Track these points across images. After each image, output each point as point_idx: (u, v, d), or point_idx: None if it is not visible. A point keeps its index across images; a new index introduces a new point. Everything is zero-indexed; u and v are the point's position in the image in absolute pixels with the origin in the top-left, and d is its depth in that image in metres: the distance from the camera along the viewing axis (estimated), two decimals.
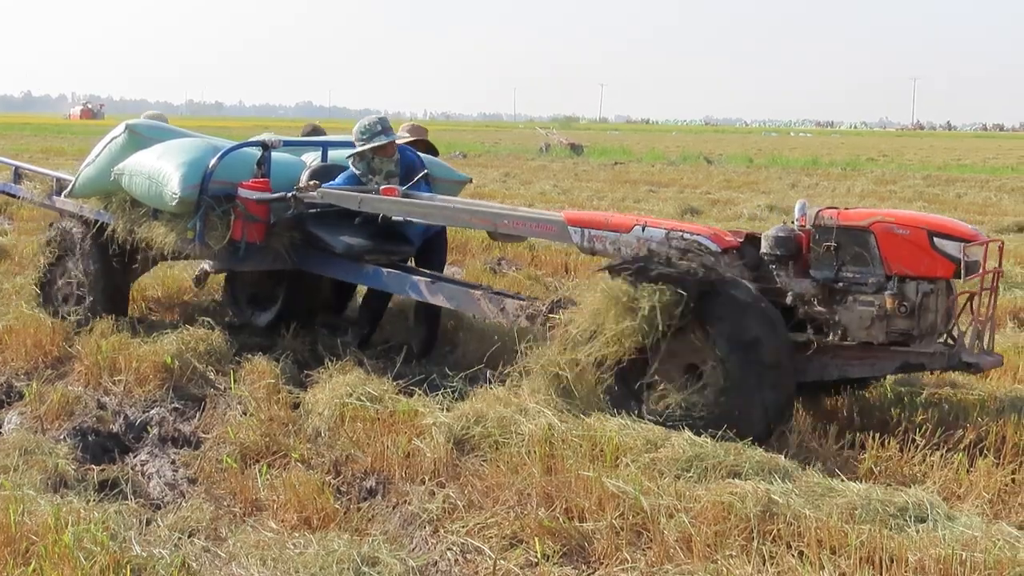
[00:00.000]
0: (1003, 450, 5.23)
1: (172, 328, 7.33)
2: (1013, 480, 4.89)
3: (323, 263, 7.27)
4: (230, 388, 6.52)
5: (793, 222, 5.72)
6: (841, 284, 5.38)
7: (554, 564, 4.15)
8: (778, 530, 4.25)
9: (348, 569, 3.98)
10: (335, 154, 7.83)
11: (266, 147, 6.99)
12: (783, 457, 5.02)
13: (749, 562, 4.06)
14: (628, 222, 5.98)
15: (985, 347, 5.45)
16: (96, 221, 7.50)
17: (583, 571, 4.18)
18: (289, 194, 6.84)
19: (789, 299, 5.52)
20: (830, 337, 5.42)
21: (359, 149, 7.14)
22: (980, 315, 5.41)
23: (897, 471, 5.11)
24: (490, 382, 6.04)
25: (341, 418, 5.85)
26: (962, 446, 5.27)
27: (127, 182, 7.02)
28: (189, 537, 4.36)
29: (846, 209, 5.59)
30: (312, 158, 7.80)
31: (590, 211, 6.93)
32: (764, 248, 5.61)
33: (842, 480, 4.70)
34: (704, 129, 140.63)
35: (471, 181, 8.89)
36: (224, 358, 7.07)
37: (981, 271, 5.37)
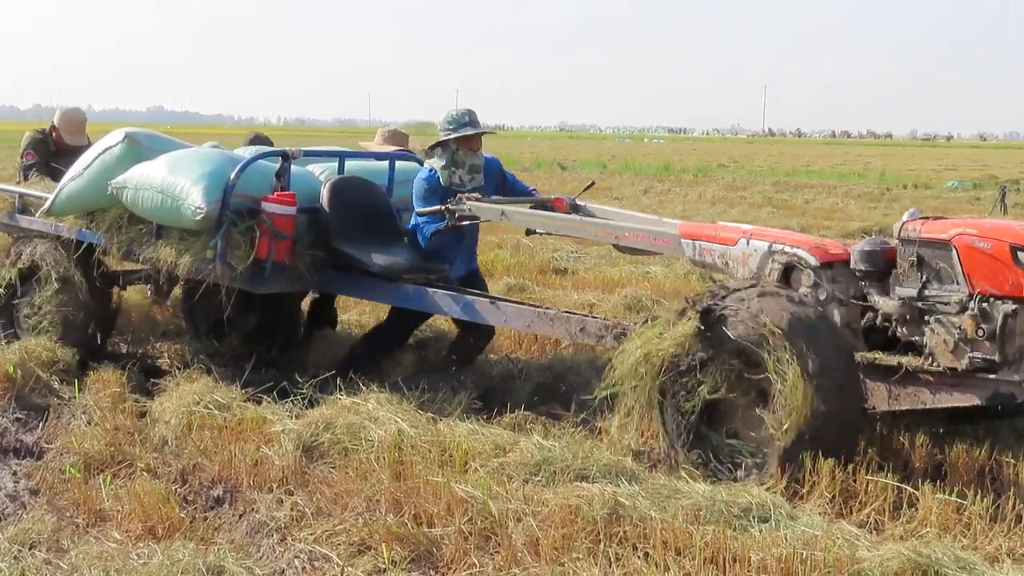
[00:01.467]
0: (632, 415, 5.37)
1: None
2: (855, 480, 5.02)
3: (352, 284, 6.77)
4: (74, 397, 6.45)
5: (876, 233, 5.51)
6: (924, 303, 5.02)
7: (402, 570, 4.18)
8: (624, 532, 4.31)
9: None
10: (352, 165, 7.37)
11: (286, 158, 6.50)
12: (629, 460, 5.14)
13: (596, 564, 4.11)
14: (735, 235, 5.73)
15: None
16: (78, 242, 6.98)
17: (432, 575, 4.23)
18: (449, 205, 6.35)
19: (879, 319, 5.25)
20: (920, 362, 4.99)
21: (444, 138, 6.69)
22: None
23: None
24: (340, 389, 6.08)
25: (188, 427, 5.82)
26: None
27: (131, 197, 6.45)
28: (30, 549, 4.30)
29: (932, 219, 5.22)
30: (322, 169, 7.26)
31: (700, 223, 6.50)
32: (852, 263, 5.31)
33: (687, 482, 4.80)
34: (559, 135, 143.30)
35: (534, 191, 8.17)
36: (69, 367, 6.94)
37: None
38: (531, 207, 6.80)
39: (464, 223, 6.39)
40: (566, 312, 6.14)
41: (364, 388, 6.03)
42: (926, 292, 4.95)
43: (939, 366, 4.85)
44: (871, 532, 4.47)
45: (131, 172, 6.43)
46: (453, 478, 4.81)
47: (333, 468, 5.20)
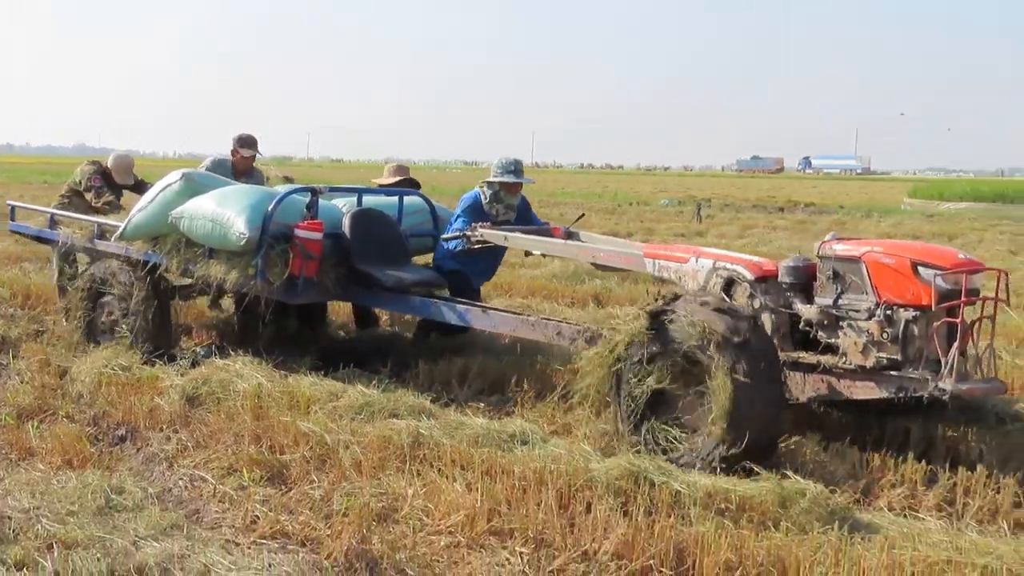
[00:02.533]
0: (592, 398, 5.99)
1: None
2: (599, 415, 6.01)
3: (369, 296, 7.49)
4: (10, 363, 7.42)
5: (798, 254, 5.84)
6: (838, 311, 5.35)
7: (260, 486, 4.99)
8: (424, 454, 5.25)
9: (100, 496, 4.74)
10: (368, 199, 8.20)
11: (315, 192, 7.17)
12: (428, 402, 6.12)
13: (403, 478, 4.99)
14: (686, 254, 6.12)
15: (984, 373, 5.21)
16: (145, 261, 7.52)
17: (282, 490, 4.98)
18: (467, 232, 7.35)
19: (802, 324, 5.54)
20: (836, 360, 5.37)
21: (495, 179, 7.80)
22: (976, 342, 5.27)
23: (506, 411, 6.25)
24: (214, 355, 7.08)
25: (99, 383, 6.75)
26: (560, 394, 6.34)
27: (187, 225, 7.11)
28: None
29: (846, 239, 5.55)
30: (344, 202, 8.05)
31: (660, 245, 7.03)
32: (780, 277, 5.63)
33: (470, 416, 5.82)
34: (382, 166, 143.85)
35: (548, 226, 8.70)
36: (7, 342, 7.98)
37: (962, 298, 4.99)
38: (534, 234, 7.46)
39: (477, 246, 7.31)
40: (544, 319, 6.66)
41: (233, 354, 7.01)
42: (840, 301, 5.30)
43: (851, 364, 5.25)
44: (601, 452, 5.32)
45: (187, 204, 7.13)
46: (298, 418, 5.75)
47: (209, 412, 6.12)
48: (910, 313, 5.09)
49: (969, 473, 5.15)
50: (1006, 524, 4.53)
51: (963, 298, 4.98)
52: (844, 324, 5.31)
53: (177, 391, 6.42)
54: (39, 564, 4.00)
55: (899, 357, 5.10)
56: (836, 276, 5.35)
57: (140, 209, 7.59)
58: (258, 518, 4.68)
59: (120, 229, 7.72)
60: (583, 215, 9.60)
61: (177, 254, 7.30)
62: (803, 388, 5.47)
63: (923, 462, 5.31)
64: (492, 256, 8.00)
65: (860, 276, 5.25)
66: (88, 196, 9.59)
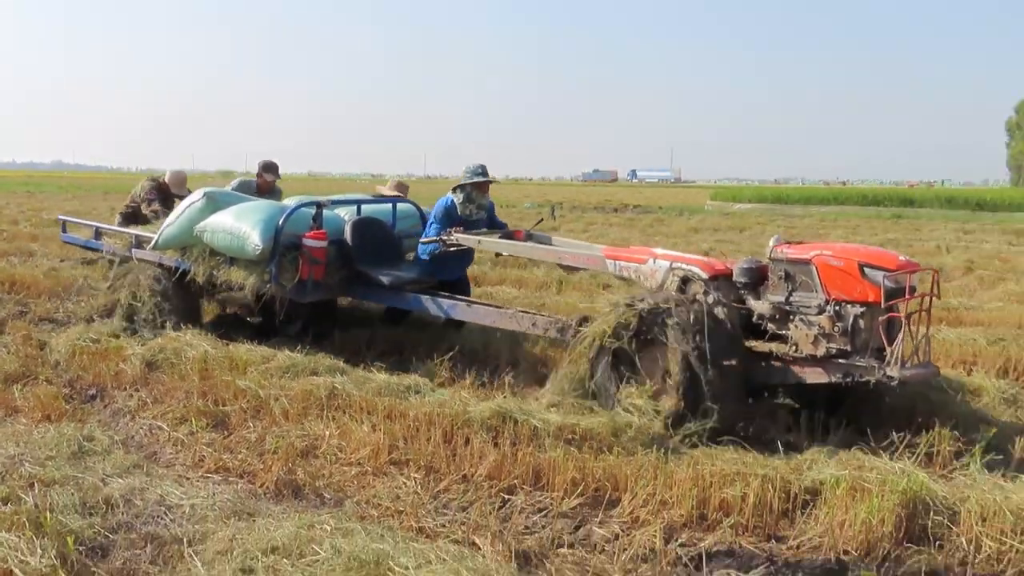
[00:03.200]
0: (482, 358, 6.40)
1: None
2: (488, 372, 6.05)
3: (371, 293, 7.03)
4: None
5: (770, 251, 5.15)
6: (790, 307, 4.94)
7: (206, 432, 4.96)
8: (338, 403, 5.21)
9: (74, 444, 4.65)
10: (366, 208, 7.71)
11: (320, 206, 6.71)
12: (342, 362, 6.05)
13: (322, 422, 4.99)
14: (645, 256, 5.63)
15: (921, 359, 4.75)
16: (176, 268, 7.12)
17: (224, 435, 4.93)
18: (442, 236, 6.70)
19: (755, 317, 5.12)
20: (786, 349, 5.01)
21: (465, 182, 7.01)
22: (916, 333, 4.79)
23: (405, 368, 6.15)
24: (172, 330, 6.85)
25: (73, 353, 6.55)
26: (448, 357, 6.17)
27: (209, 237, 6.74)
28: None
29: (796, 243, 5.14)
30: (345, 212, 7.54)
31: (620, 247, 6.21)
32: (735, 276, 5.21)
33: (375, 372, 5.77)
34: (308, 178, 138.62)
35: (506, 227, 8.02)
36: None
37: (906, 296, 4.64)
38: (500, 237, 6.88)
39: (453, 248, 6.69)
40: (522, 311, 6.21)
41: (184, 328, 6.82)
42: (791, 298, 4.89)
43: (801, 353, 4.86)
44: (476, 398, 5.28)
45: (209, 219, 6.74)
46: (237, 377, 5.67)
47: (164, 374, 5.99)
48: (858, 308, 4.72)
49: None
50: (780, 444, 4.65)
51: (907, 295, 4.64)
52: (795, 318, 4.90)
53: (138, 358, 6.23)
54: (22, 499, 3.87)
55: (848, 347, 4.73)
56: (788, 276, 4.93)
57: (169, 224, 7.19)
58: (204, 457, 4.64)
59: (154, 240, 7.32)
60: (542, 219, 8.73)
61: (203, 262, 6.89)
62: (762, 373, 5.05)
63: None
64: (465, 254, 7.22)
65: (811, 276, 4.84)
66: (143, 208, 9.14)
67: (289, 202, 7.29)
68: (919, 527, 3.69)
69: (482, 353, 6.68)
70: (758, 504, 3.90)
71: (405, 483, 4.24)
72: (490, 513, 3.91)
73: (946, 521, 3.69)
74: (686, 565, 3.50)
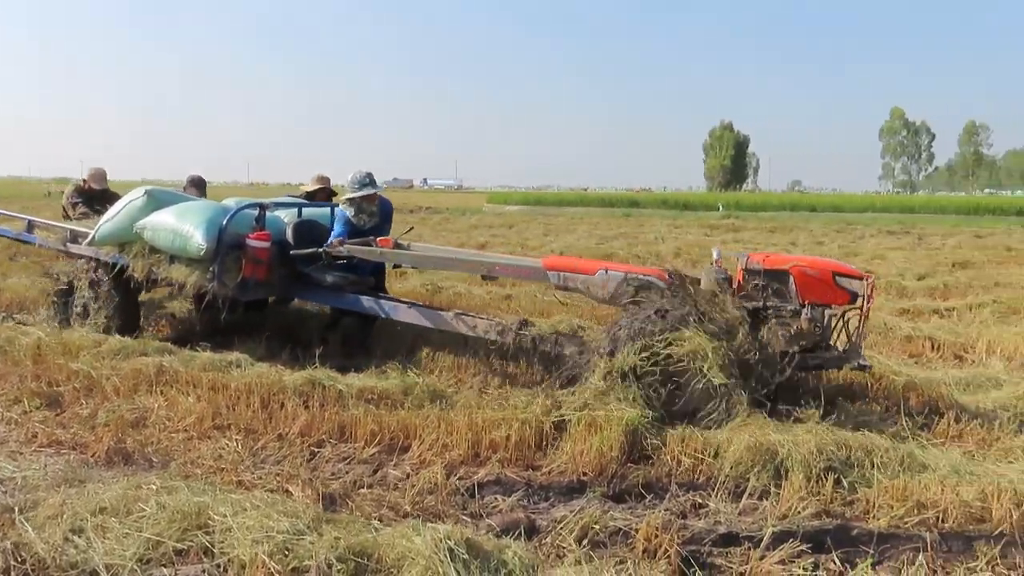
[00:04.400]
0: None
1: None
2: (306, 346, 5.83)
3: (312, 293, 6.05)
4: None
5: (712, 263, 4.78)
6: (765, 311, 4.53)
7: (39, 411, 4.50)
8: (167, 378, 4.87)
9: None
10: (306, 211, 6.57)
11: (262, 207, 5.85)
12: (170, 343, 5.69)
13: (152, 396, 4.68)
14: (594, 266, 4.95)
15: (861, 351, 4.56)
16: (114, 263, 6.10)
17: (57, 412, 4.49)
18: (321, 250, 5.68)
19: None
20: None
21: (353, 195, 5.95)
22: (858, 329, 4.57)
23: (229, 347, 5.79)
24: (11, 319, 6.17)
25: None
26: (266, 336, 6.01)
27: (150, 235, 5.78)
28: None
29: (771, 255, 4.74)
30: (286, 214, 6.46)
31: (564, 257, 5.43)
32: (704, 286, 4.61)
33: (199, 351, 5.43)
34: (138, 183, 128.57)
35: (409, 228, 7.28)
36: None
37: (864, 299, 4.50)
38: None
39: (340, 262, 5.75)
40: (462, 314, 5.46)
41: (25, 318, 6.20)
42: (768, 304, 4.54)
43: (774, 351, 4.39)
44: (290, 367, 5.15)
45: (150, 217, 5.84)
46: (70, 360, 5.17)
47: None
48: (830, 311, 4.55)
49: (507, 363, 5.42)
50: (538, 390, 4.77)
51: (869, 299, 4.52)
52: (770, 321, 4.48)
53: None
54: None
55: (824, 342, 4.50)
56: (765, 284, 4.55)
57: (108, 219, 6.18)
58: (37, 434, 4.17)
59: (90, 236, 6.29)
60: (411, 228, 7.51)
61: (142, 259, 5.93)
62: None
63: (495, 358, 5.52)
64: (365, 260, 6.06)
65: (787, 284, 4.52)
66: (70, 212, 8.02)
67: (229, 203, 6.35)
68: (638, 451, 3.92)
69: (297, 331, 6.43)
70: (519, 442, 4.00)
71: (227, 444, 4.01)
72: (301, 464, 3.78)
73: (658, 445, 3.94)
74: (463, 494, 3.54)
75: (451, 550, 2.52)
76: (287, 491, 3.44)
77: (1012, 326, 7.29)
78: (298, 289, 6.07)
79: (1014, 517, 3.20)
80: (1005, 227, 26.86)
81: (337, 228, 6.05)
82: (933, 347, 6.56)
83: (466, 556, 2.53)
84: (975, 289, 10.06)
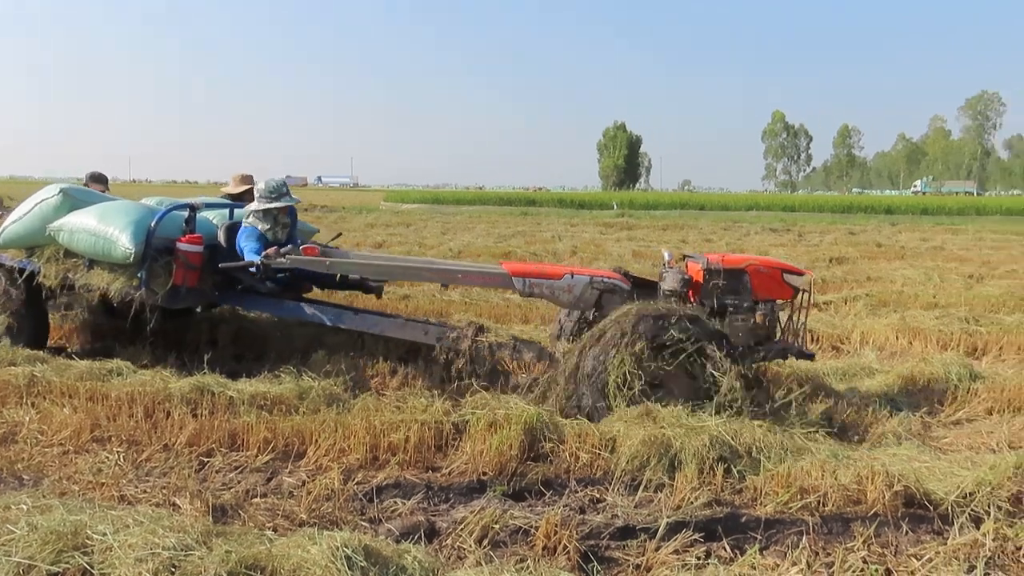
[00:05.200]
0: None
1: None
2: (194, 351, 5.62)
3: (245, 300, 5.55)
4: None
5: (664, 265, 4.93)
6: (721, 308, 4.65)
7: None
8: (38, 389, 4.59)
9: None
10: (238, 212, 5.90)
11: (193, 209, 5.36)
12: (43, 352, 5.34)
13: (22, 408, 4.37)
14: (560, 271, 4.89)
15: (803, 342, 4.83)
16: (20, 268, 5.44)
17: None
18: (258, 260, 5.11)
19: None
20: None
21: (270, 206, 5.35)
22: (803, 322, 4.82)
23: (106, 352, 5.52)
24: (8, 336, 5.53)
25: None
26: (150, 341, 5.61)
27: (67, 238, 5.20)
28: None
29: (729, 255, 4.85)
30: (215, 216, 5.86)
31: (529, 263, 5.13)
32: (668, 286, 4.74)
33: (76, 360, 5.08)
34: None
35: (318, 231, 6.74)
36: None
37: (806, 294, 4.76)
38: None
39: (285, 265, 5.16)
40: (412, 320, 5.20)
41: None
42: (724, 300, 4.66)
43: (739, 345, 4.49)
44: (176, 374, 4.87)
45: (66, 218, 5.24)
46: None
47: None
48: (780, 305, 4.79)
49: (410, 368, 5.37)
50: (438, 393, 4.75)
51: (810, 294, 4.80)
52: (728, 316, 4.62)
53: None
54: None
55: (772, 335, 4.72)
56: (723, 283, 4.66)
57: (15, 220, 5.52)
58: None
59: None
60: (340, 234, 6.99)
61: (56, 263, 5.36)
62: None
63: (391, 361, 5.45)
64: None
65: (743, 282, 4.67)
66: None
67: (149, 203, 5.87)
68: (537, 448, 3.95)
69: (184, 336, 6.14)
70: (419, 443, 3.96)
71: (107, 457, 3.80)
72: (189, 476, 3.62)
73: (556, 442, 3.98)
74: (361, 499, 3.48)
75: (348, 558, 2.46)
76: (174, 504, 3.29)
77: (883, 318, 7.79)
78: (232, 297, 5.60)
79: (886, 498, 3.41)
80: (875, 224, 28.70)
81: (251, 245, 5.37)
82: (813, 339, 6.91)
83: (364, 563, 2.48)
84: (849, 283, 10.70)
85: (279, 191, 5.43)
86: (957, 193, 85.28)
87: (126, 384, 4.67)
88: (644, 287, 4.98)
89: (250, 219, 5.43)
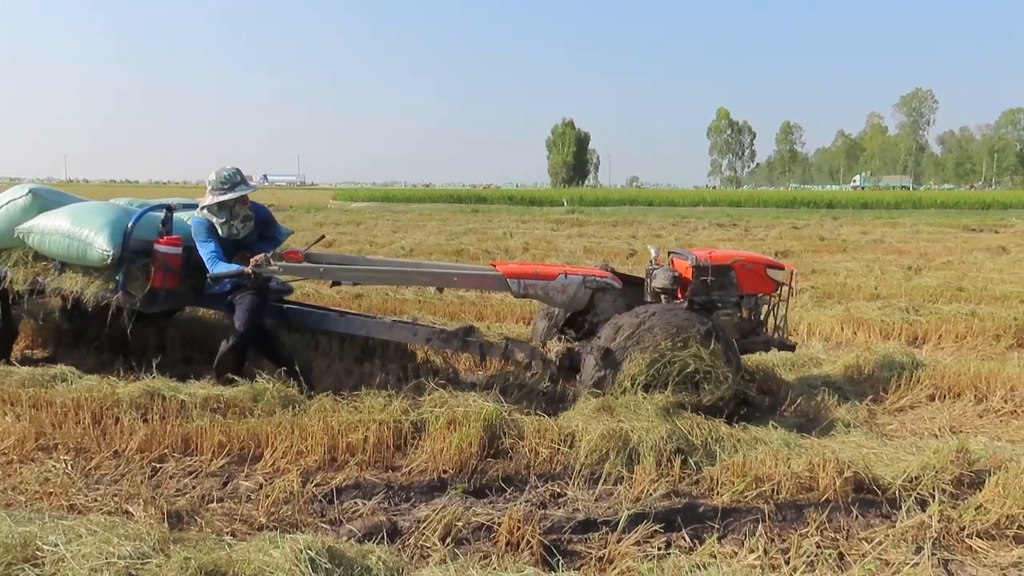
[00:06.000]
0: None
1: None
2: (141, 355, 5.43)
3: (225, 303, 5.06)
4: None
5: (651, 262, 5.02)
6: (710, 303, 4.77)
7: None
8: None
9: None
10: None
11: (170, 209, 5.13)
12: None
13: None
14: (553, 271, 4.89)
15: (782, 333, 4.99)
16: None
17: None
18: (248, 270, 4.76)
19: None
20: None
21: (224, 198, 4.82)
22: (784, 315, 5.01)
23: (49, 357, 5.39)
24: None
25: None
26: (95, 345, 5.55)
27: (37, 240, 4.94)
28: None
29: (715, 252, 4.91)
30: (189, 216, 5.30)
31: (522, 263, 5.10)
32: (659, 284, 4.82)
33: (17, 367, 4.95)
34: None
35: (293, 232, 6.39)
36: None
37: (788, 287, 4.94)
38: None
39: (276, 273, 4.86)
40: (400, 321, 5.04)
41: None
42: (712, 295, 4.77)
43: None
44: (124, 378, 4.77)
45: (36, 220, 4.99)
46: None
47: None
48: (764, 299, 4.95)
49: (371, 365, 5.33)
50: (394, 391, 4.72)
51: (791, 287, 4.94)
52: (716, 311, 4.77)
53: None
54: None
55: (757, 327, 4.88)
56: (711, 279, 4.78)
57: None
58: None
59: None
60: (323, 236, 6.71)
61: (24, 267, 5.13)
62: None
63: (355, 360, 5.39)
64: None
65: (729, 278, 4.80)
66: None
67: (119, 203, 5.55)
68: (497, 445, 3.96)
69: (131, 339, 5.95)
70: (377, 443, 3.94)
71: (54, 466, 3.68)
72: (141, 482, 3.53)
73: (516, 438, 3.99)
74: (320, 501, 3.44)
75: (312, 560, 2.44)
76: (127, 512, 3.22)
77: (828, 309, 8.00)
78: (209, 299, 5.31)
79: (837, 484, 3.51)
80: (817, 218, 29.43)
81: (204, 241, 4.92)
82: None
83: (328, 565, 2.46)
84: (795, 276, 10.94)
85: (231, 180, 4.90)
86: (894, 187, 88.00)
87: (71, 390, 4.53)
88: (631, 284, 5.04)
89: (203, 212, 4.95)
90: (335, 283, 5.01)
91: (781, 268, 4.99)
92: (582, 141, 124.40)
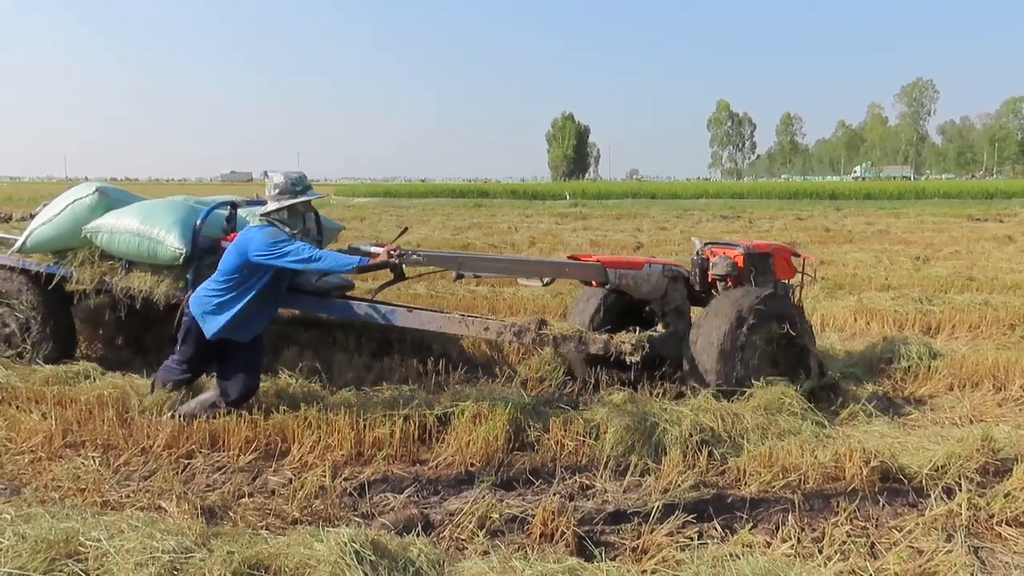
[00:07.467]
0: None
1: None
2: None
3: (294, 300, 5.00)
4: None
5: (697, 253, 5.19)
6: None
7: None
8: (3, 396, 4.47)
9: None
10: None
11: (235, 206, 5.04)
12: (4, 357, 5.14)
13: None
14: (640, 261, 5.04)
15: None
16: (49, 274, 5.07)
17: None
18: (390, 259, 4.20)
19: None
20: None
21: (296, 201, 4.12)
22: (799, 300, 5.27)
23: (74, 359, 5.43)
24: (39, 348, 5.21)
25: None
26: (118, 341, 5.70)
27: (106, 239, 4.84)
28: None
29: (758, 242, 5.26)
30: (247, 213, 5.28)
31: (614, 255, 5.30)
32: (719, 271, 5.05)
33: (41, 366, 5.01)
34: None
35: (343, 227, 6.30)
36: None
37: (812, 274, 5.42)
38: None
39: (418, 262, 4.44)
40: (469, 315, 4.84)
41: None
42: (757, 282, 5.02)
43: None
44: (148, 373, 4.77)
45: (104, 219, 4.90)
46: None
47: None
48: (790, 283, 5.29)
49: (389, 359, 5.35)
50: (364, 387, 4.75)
51: (813, 276, 5.38)
52: None
53: None
54: None
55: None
56: (755, 267, 5.08)
57: (43, 222, 5.12)
58: None
59: (19, 242, 5.22)
60: (407, 228, 6.07)
61: (91, 267, 5.02)
62: None
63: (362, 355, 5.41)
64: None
65: (768, 265, 5.13)
66: None
67: (177, 200, 5.36)
68: (522, 438, 3.99)
69: (148, 337, 6.00)
70: (403, 437, 3.96)
71: (84, 463, 3.71)
72: (172, 478, 3.55)
73: (541, 431, 4.02)
74: (351, 495, 3.47)
75: (357, 552, 2.46)
76: (160, 508, 3.23)
77: (840, 300, 8.02)
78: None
79: (864, 474, 3.53)
80: (821, 209, 29.42)
81: (289, 241, 4.08)
82: None
83: (373, 558, 2.48)
84: (816, 264, 10.92)
85: (303, 183, 4.26)
86: (895, 178, 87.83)
87: (95, 387, 4.59)
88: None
89: (270, 218, 4.20)
90: (458, 276, 4.66)
91: (799, 256, 5.37)
92: (582, 134, 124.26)
